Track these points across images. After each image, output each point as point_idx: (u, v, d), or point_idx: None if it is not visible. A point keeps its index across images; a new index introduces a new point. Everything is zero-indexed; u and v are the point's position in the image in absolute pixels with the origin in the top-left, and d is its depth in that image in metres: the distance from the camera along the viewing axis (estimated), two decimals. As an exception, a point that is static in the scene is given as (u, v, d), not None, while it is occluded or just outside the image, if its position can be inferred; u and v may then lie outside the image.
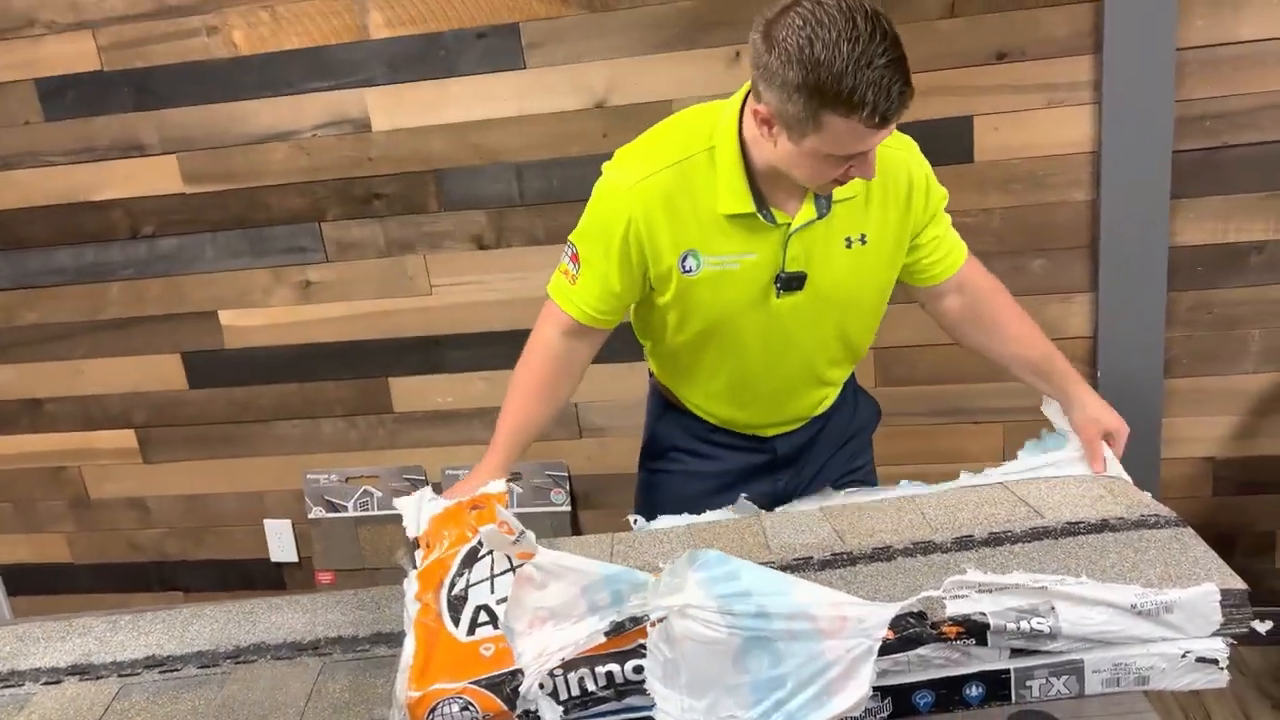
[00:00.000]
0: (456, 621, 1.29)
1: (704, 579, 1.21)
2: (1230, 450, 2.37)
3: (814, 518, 1.51)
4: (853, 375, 1.78)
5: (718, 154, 1.42)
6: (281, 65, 2.40)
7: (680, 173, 1.43)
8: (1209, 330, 2.28)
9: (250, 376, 2.67)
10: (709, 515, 1.58)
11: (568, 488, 2.61)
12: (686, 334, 1.56)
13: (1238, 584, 1.29)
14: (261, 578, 2.85)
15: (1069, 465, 1.58)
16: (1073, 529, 1.39)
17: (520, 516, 2.36)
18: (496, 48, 2.31)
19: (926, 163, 1.52)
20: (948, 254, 1.59)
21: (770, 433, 1.69)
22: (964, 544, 1.39)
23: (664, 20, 2.23)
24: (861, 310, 1.58)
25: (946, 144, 2.21)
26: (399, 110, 2.40)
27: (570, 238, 1.53)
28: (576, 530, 2.63)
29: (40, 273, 2.67)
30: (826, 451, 1.72)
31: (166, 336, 2.67)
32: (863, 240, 1.48)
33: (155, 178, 2.54)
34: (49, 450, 2.84)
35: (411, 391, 2.62)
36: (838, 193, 1.43)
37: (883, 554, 1.39)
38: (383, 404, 2.65)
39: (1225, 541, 2.41)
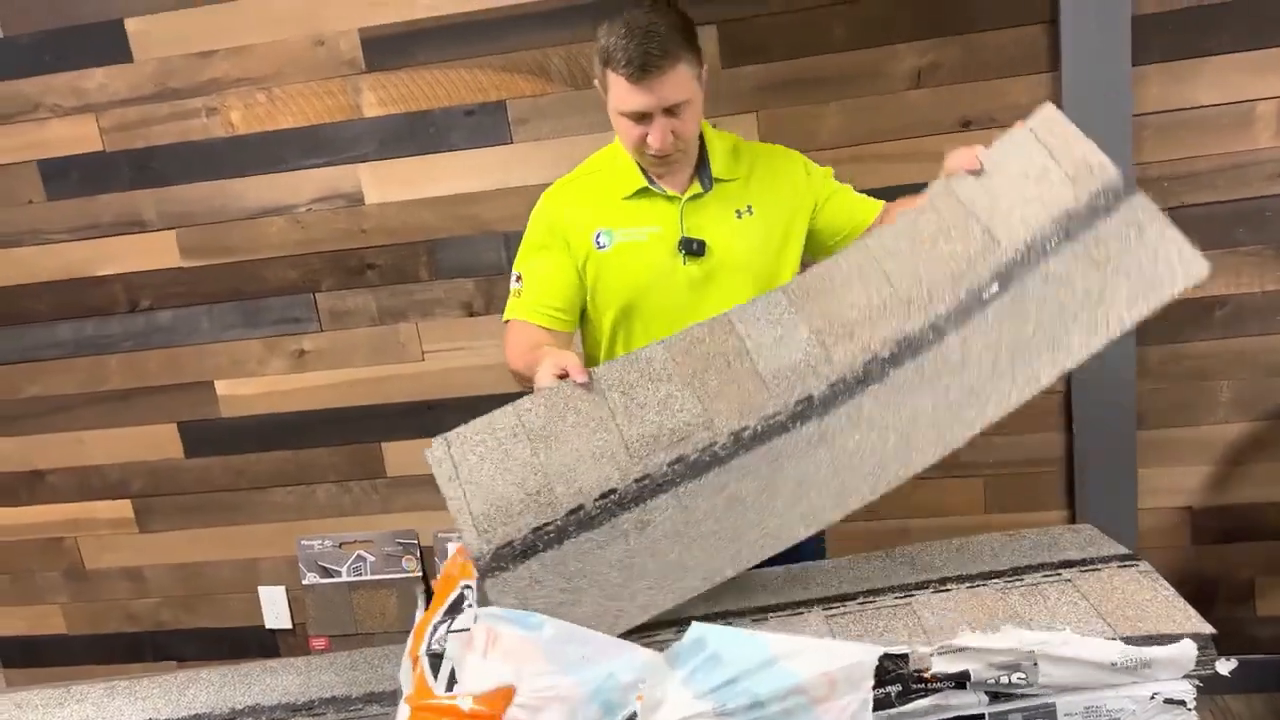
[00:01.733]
0: (436, 675, 1.32)
1: (686, 675, 1.23)
2: (1207, 499, 2.42)
3: (782, 310, 1.52)
4: None
5: (617, 158, 1.77)
6: (277, 143, 2.49)
7: (591, 179, 1.79)
8: (1180, 382, 2.34)
9: (246, 445, 2.72)
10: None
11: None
12: (612, 315, 1.76)
13: (1204, 628, 1.34)
14: (256, 645, 2.86)
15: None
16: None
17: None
18: (484, 124, 2.40)
19: (803, 156, 1.86)
20: (865, 208, 1.83)
21: None
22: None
23: (644, 95, 2.33)
24: (767, 279, 1.75)
25: (918, 208, 2.29)
26: (391, 184, 2.49)
27: (513, 268, 1.78)
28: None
29: (42, 346, 2.73)
30: None
31: (164, 407, 2.73)
32: (750, 210, 1.75)
33: (154, 253, 2.62)
34: (47, 521, 2.87)
35: (404, 456, 2.67)
36: (721, 174, 1.75)
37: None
38: (376, 469, 2.70)
39: (1206, 590, 2.45)
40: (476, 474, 1.45)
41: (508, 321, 1.78)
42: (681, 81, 1.60)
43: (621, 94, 1.61)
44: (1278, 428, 2.34)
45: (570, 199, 1.77)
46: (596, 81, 1.68)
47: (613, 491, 1.42)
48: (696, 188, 1.74)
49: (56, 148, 2.57)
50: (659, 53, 1.56)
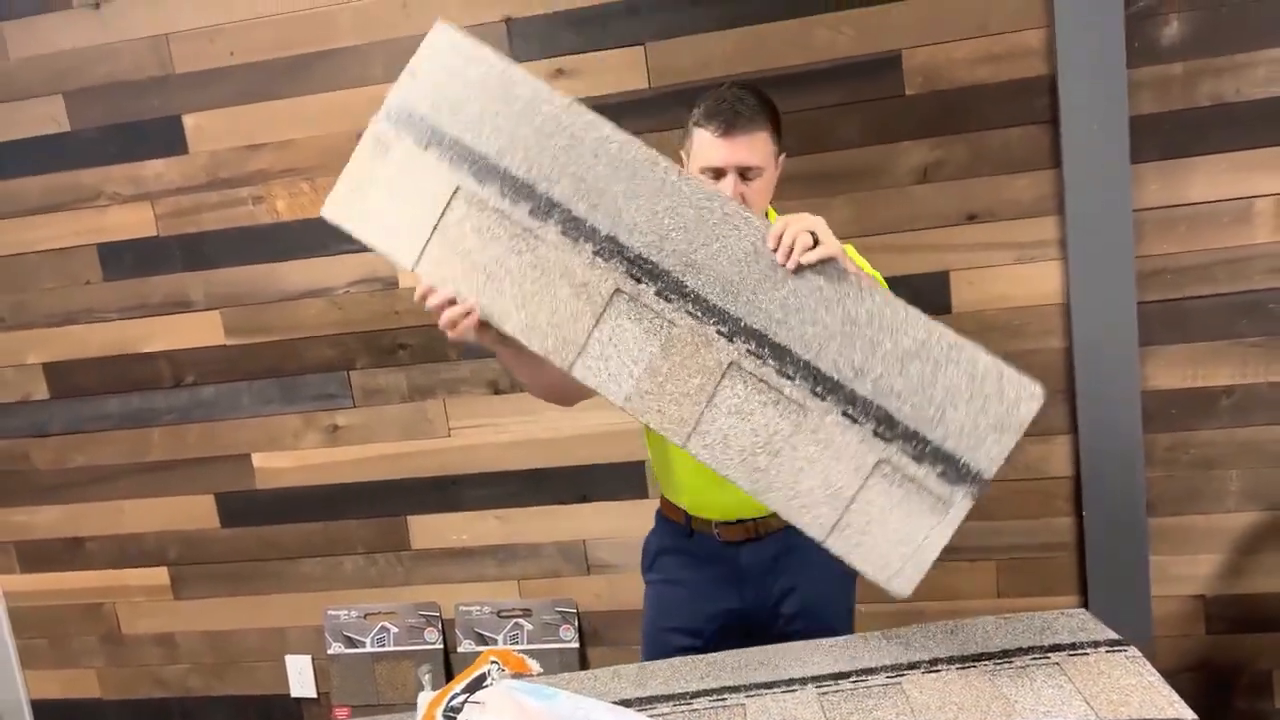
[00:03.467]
0: None
1: None
2: (1221, 588, 2.42)
3: None
4: None
5: None
6: (319, 230, 2.60)
7: None
8: (1188, 470, 2.37)
9: (278, 516, 2.82)
10: None
11: (576, 624, 2.70)
12: None
13: (1186, 714, 1.36)
14: (281, 714, 2.93)
15: None
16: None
17: (529, 653, 2.49)
18: (512, 213, 2.54)
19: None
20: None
21: (746, 515, 1.84)
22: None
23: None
24: None
25: (926, 296, 2.36)
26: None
27: None
28: (584, 667, 2.70)
29: (90, 418, 2.88)
30: (793, 574, 1.85)
31: (202, 478, 2.85)
32: None
33: (199, 331, 2.77)
34: (87, 587, 2.98)
35: (429, 529, 2.75)
36: None
37: None
38: (401, 541, 2.78)
39: (1223, 681, 2.43)
40: None
41: None
42: (760, 147, 1.69)
43: (704, 149, 1.69)
44: (1291, 517, 2.36)
45: None
46: (683, 152, 1.75)
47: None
48: None
49: (114, 232, 2.75)
50: (746, 114, 1.67)
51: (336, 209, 1.66)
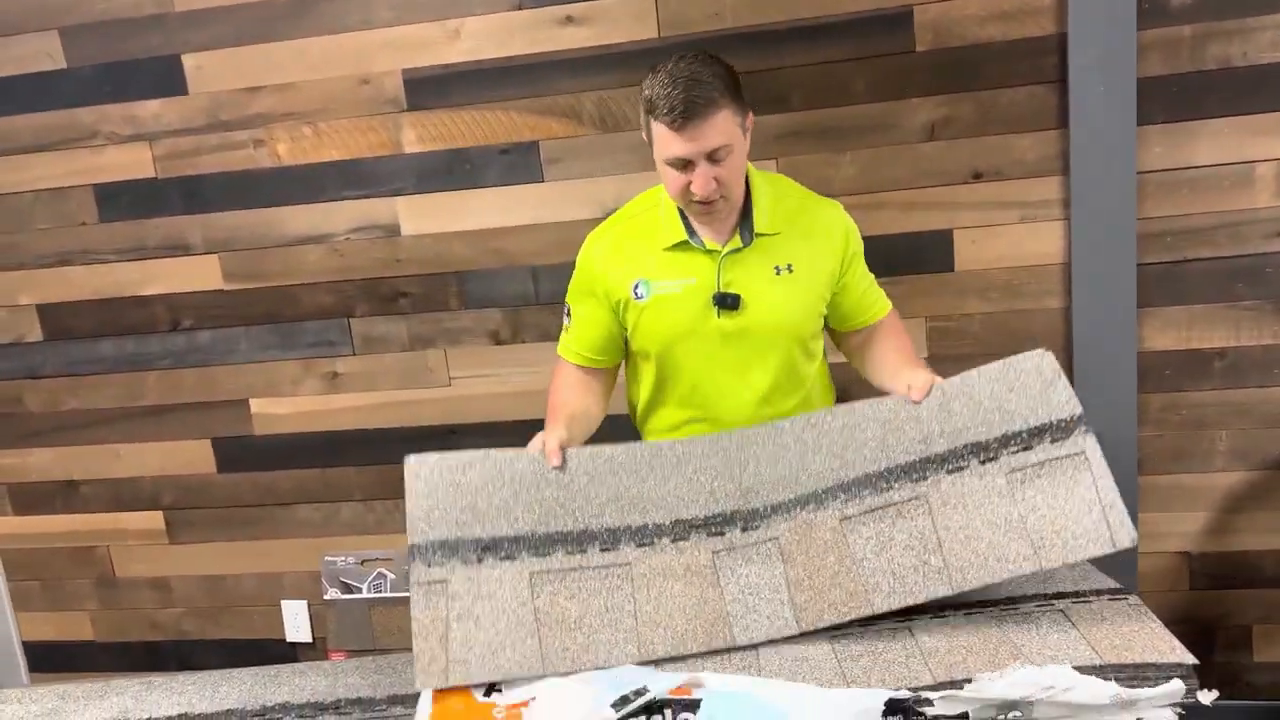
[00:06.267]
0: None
1: None
2: (1205, 545, 2.48)
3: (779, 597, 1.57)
4: None
5: (661, 205, 1.80)
6: (320, 175, 2.62)
7: (634, 223, 1.84)
8: (1179, 430, 2.42)
9: (276, 462, 2.82)
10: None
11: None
12: (649, 359, 1.82)
13: (1187, 658, 1.40)
14: (277, 658, 2.94)
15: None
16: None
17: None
18: (517, 163, 2.53)
19: (849, 218, 1.87)
20: (872, 304, 1.89)
21: None
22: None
23: (670, 140, 2.45)
24: (800, 337, 1.83)
25: (929, 254, 2.40)
26: (426, 217, 2.61)
27: (566, 298, 1.87)
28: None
29: (84, 361, 2.85)
30: None
31: (199, 423, 2.84)
32: (790, 269, 1.78)
33: (197, 275, 2.74)
34: (80, 530, 2.98)
35: (428, 478, 2.76)
36: (763, 228, 1.77)
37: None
38: (399, 489, 2.77)
39: (1204, 635, 2.50)
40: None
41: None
42: (723, 128, 1.63)
43: (664, 142, 1.64)
44: (1275, 478, 2.41)
45: (611, 249, 1.82)
46: (643, 132, 1.71)
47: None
48: (736, 241, 1.76)
49: (111, 173, 2.71)
50: (700, 100, 1.60)
51: (430, 675, 1.50)
